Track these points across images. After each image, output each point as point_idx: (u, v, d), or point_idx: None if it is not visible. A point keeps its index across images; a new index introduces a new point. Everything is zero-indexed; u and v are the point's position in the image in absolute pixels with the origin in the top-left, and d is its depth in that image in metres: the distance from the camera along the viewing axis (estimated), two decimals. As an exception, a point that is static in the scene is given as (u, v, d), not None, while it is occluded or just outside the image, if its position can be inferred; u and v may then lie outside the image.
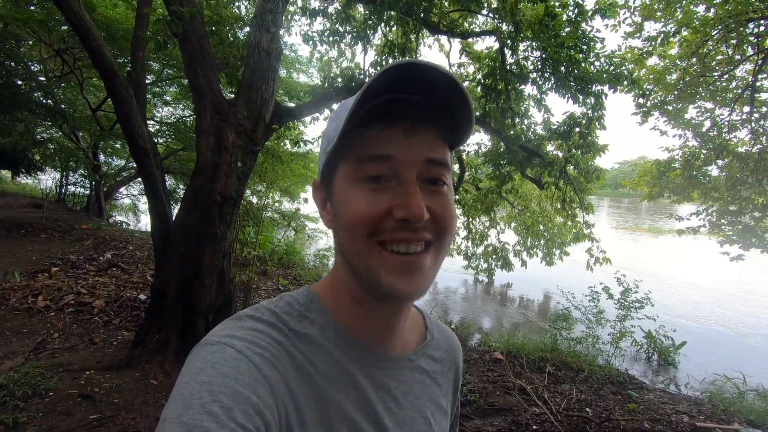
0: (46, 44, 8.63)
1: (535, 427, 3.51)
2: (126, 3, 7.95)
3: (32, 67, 9.18)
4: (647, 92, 6.16)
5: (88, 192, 14.15)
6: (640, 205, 41.75)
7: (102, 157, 12.99)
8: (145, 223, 14.50)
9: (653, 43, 5.93)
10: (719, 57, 5.90)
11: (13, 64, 7.47)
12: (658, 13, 5.75)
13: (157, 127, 11.40)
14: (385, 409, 0.53)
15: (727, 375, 5.16)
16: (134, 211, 16.28)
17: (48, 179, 15.41)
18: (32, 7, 7.84)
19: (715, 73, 5.93)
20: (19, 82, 7.60)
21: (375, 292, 0.51)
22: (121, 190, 15.03)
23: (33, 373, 3.13)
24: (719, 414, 4.15)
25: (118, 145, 12.24)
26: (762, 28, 5.15)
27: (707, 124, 6.33)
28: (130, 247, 7.89)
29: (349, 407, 0.50)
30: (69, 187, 15.09)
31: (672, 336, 6.09)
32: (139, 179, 12.89)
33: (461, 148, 7.02)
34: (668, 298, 9.48)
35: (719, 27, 5.31)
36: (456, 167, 7.21)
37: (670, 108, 6.31)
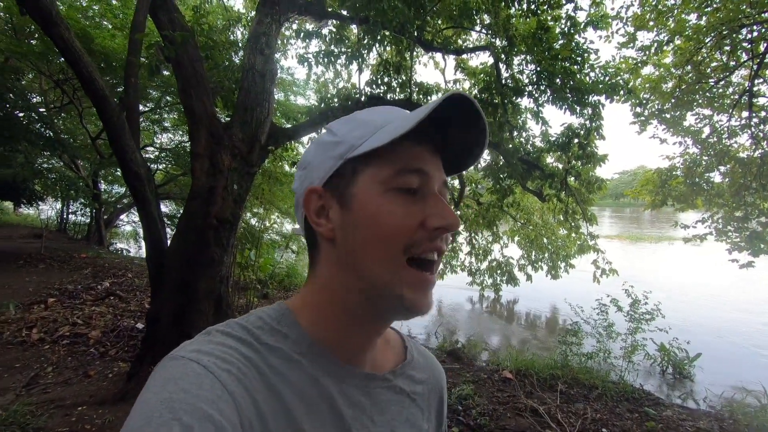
0: (45, 76, 8.76)
1: (549, 451, 3.34)
2: (124, 33, 8.08)
3: (33, 99, 9.28)
4: (644, 101, 6.14)
5: (88, 220, 14.14)
6: (643, 215, 41.54)
7: (102, 185, 13.03)
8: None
9: (647, 52, 5.96)
10: (714, 64, 5.91)
11: (13, 96, 7.55)
12: (651, 23, 5.79)
13: (157, 153, 11.45)
14: (359, 426, 0.51)
15: (746, 387, 4.96)
16: (135, 237, 16.23)
17: (49, 209, 15.44)
18: (32, 42, 7.98)
19: (711, 80, 5.91)
20: (20, 114, 7.66)
21: (391, 307, 0.51)
22: (122, 217, 15.02)
23: (22, 411, 3.00)
24: (742, 430, 3.96)
25: (118, 172, 12.27)
26: (755, 34, 5.16)
27: (707, 130, 6.31)
28: (129, 275, 7.79)
29: (320, 424, 0.48)
30: (70, 216, 15.10)
31: (686, 348, 5.89)
32: (139, 206, 12.90)
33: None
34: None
35: (712, 34, 5.33)
36: (456, 182, 7.16)
37: (668, 116, 6.29)
